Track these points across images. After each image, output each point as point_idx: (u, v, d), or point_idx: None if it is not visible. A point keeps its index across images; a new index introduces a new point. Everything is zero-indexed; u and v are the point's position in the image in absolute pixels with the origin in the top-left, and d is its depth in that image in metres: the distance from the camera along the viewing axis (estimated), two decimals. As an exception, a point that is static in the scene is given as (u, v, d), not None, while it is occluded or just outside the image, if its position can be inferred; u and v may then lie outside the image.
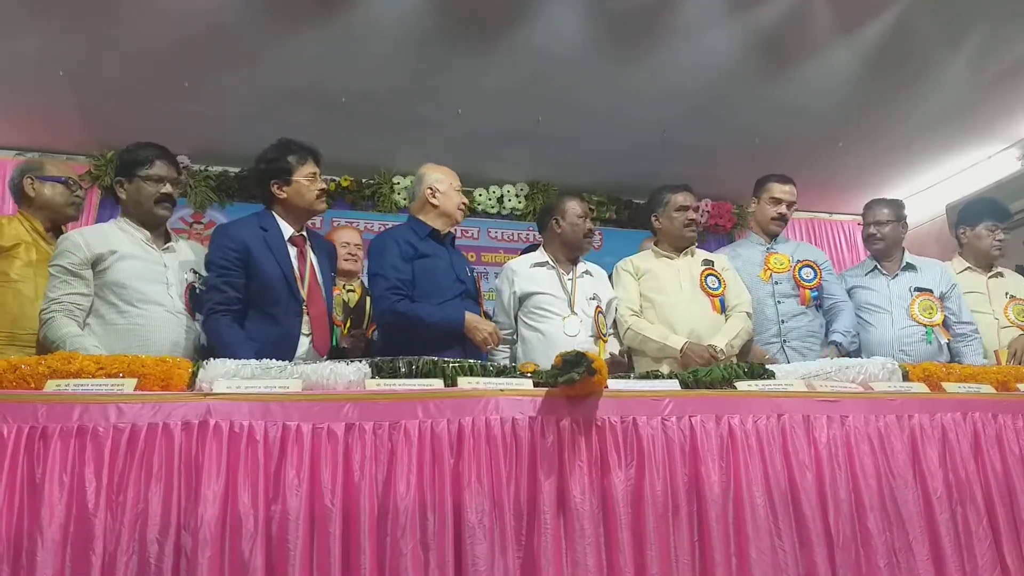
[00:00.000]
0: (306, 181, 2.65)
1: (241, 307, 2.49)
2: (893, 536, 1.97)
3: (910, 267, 3.44)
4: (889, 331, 3.28)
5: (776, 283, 3.27)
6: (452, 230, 3.03)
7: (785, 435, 2.02)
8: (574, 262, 3.16)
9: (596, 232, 6.16)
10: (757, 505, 1.90)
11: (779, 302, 3.25)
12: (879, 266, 3.47)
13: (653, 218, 3.28)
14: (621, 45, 4.29)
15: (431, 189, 2.91)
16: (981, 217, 3.61)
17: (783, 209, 3.39)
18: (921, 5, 4.04)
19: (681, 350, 2.93)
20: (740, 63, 4.47)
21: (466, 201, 3.03)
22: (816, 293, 3.29)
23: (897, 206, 3.52)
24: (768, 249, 3.37)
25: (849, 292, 3.45)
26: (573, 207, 3.15)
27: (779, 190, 3.38)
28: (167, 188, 2.55)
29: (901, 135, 5.49)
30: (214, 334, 2.43)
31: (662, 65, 4.47)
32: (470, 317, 2.76)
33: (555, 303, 3.01)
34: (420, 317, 2.69)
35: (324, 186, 2.70)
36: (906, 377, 2.36)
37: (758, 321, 3.20)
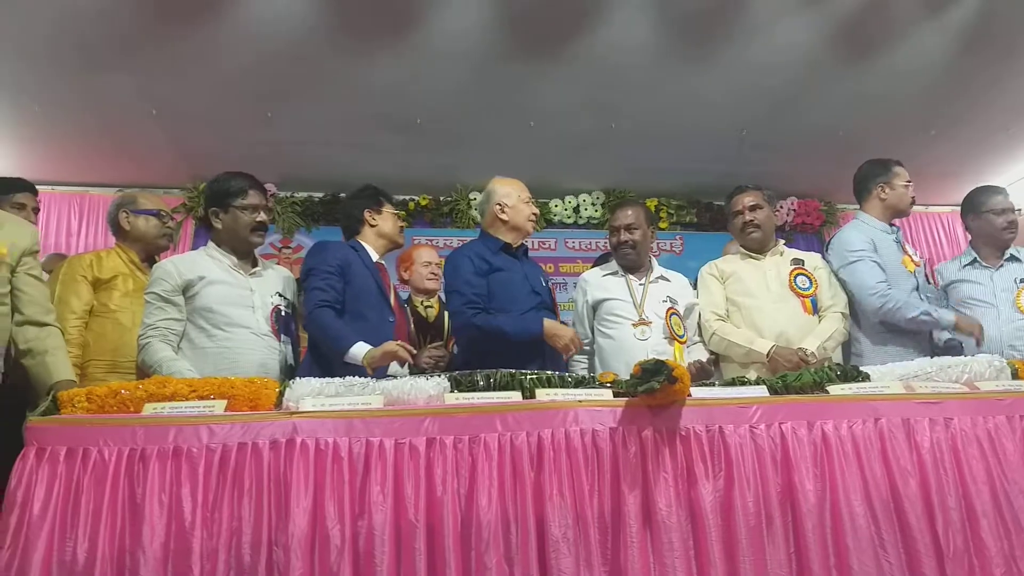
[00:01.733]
0: (391, 214, 2.94)
1: (342, 308, 2.63)
2: (1012, 545, 1.84)
3: (1014, 258, 3.21)
4: (995, 327, 3.06)
5: (917, 276, 3.10)
6: (525, 242, 3.05)
7: (884, 440, 1.92)
8: (642, 270, 3.11)
9: (676, 237, 6.14)
10: (856, 515, 1.81)
11: (924, 297, 3.08)
12: (979, 258, 3.25)
13: (728, 222, 3.27)
14: (692, 45, 4.21)
15: (499, 205, 2.95)
16: None
17: (913, 192, 3.25)
18: (1010, -21, 3.81)
19: (768, 354, 2.83)
20: (819, 54, 4.31)
21: (536, 212, 3.05)
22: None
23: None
24: (897, 238, 3.19)
25: (947, 288, 3.27)
26: (609, 221, 3.20)
27: (906, 173, 3.23)
28: (261, 216, 2.68)
29: (997, 118, 5.16)
30: (321, 326, 2.56)
31: (736, 63, 4.36)
32: (548, 324, 2.76)
33: (625, 308, 2.99)
34: (499, 328, 2.71)
35: (403, 224, 2.98)
36: (1016, 375, 2.21)
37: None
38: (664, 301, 3.01)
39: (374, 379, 2.03)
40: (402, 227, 2.98)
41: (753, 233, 3.11)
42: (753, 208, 3.12)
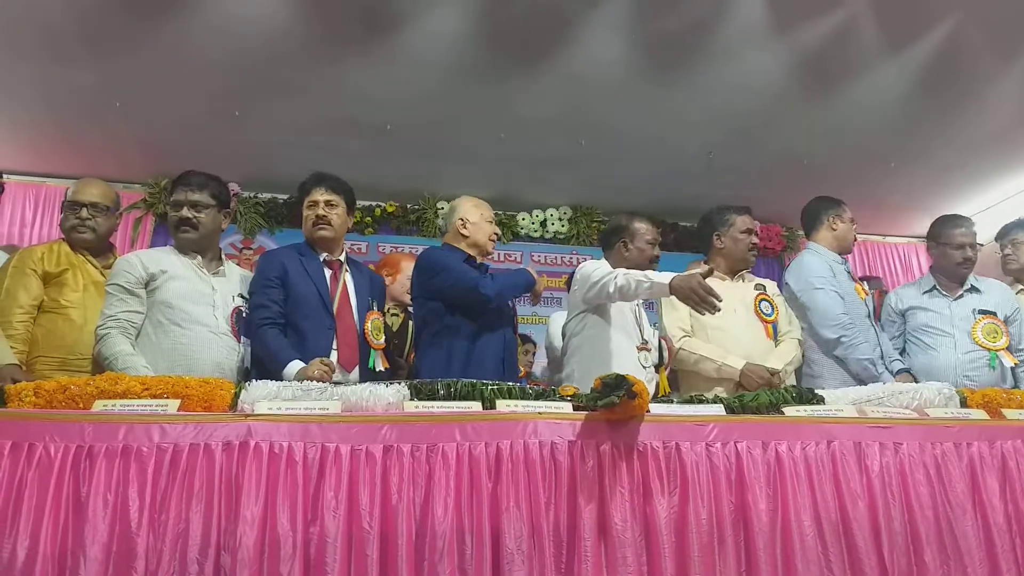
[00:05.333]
0: (306, 211, 2.82)
1: (284, 321, 2.61)
2: (951, 570, 1.88)
3: (974, 289, 3.29)
4: (952, 355, 3.14)
5: (867, 304, 3.17)
6: (487, 260, 3.02)
7: (835, 462, 1.95)
8: None
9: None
10: (806, 536, 1.84)
11: (872, 325, 3.15)
12: (938, 286, 3.32)
13: (715, 236, 3.17)
14: (664, 68, 4.28)
15: (462, 220, 2.93)
16: (998, 237, 3.65)
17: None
18: (972, 21, 3.93)
19: (741, 371, 2.85)
20: (786, 84, 4.42)
21: (498, 232, 3.04)
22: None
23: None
24: (847, 268, 3.27)
25: (905, 313, 3.33)
26: (643, 230, 3.05)
27: (850, 214, 3.35)
28: (183, 212, 2.63)
29: (954, 155, 5.34)
30: (262, 345, 2.55)
31: (706, 87, 4.44)
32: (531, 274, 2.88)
33: (628, 324, 2.93)
34: (507, 284, 2.79)
35: (322, 212, 2.77)
36: (964, 403, 2.27)
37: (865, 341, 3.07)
38: (654, 325, 3.04)
39: (332, 384, 2.01)
40: (321, 215, 2.76)
41: (754, 257, 3.18)
42: (754, 231, 3.17)
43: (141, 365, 2.33)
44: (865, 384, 2.61)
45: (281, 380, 2.26)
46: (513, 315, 3.01)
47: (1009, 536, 1.94)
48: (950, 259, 3.29)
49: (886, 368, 3.06)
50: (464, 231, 2.92)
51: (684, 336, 3.01)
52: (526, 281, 2.83)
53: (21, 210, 5.34)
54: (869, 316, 3.15)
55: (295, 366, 2.41)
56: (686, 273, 2.51)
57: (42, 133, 4.87)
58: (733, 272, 3.14)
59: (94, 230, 2.85)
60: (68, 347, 2.69)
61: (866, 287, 3.28)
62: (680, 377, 3.09)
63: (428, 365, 2.72)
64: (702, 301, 2.42)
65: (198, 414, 1.76)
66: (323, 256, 2.77)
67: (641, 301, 2.98)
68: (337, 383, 2.07)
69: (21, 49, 3.95)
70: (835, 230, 3.30)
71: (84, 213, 2.83)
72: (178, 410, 1.76)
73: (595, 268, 2.84)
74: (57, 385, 1.77)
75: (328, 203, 2.77)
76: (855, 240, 3.35)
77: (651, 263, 3.02)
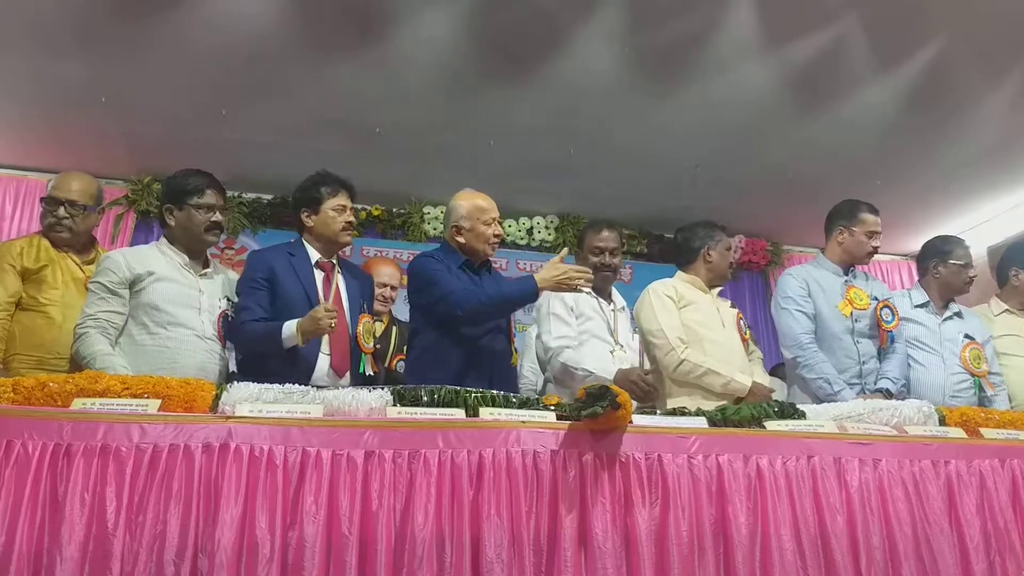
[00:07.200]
0: (333, 212, 2.71)
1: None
2: (928, 586, 1.90)
3: (959, 314, 3.27)
4: (941, 375, 3.11)
5: (856, 320, 3.07)
6: (490, 259, 2.90)
7: (815, 477, 1.96)
8: (606, 295, 3.10)
9: (626, 267, 6.21)
10: (785, 549, 1.84)
11: (857, 341, 3.06)
12: (932, 303, 3.28)
13: (706, 250, 3.13)
14: (654, 80, 4.31)
15: (456, 227, 2.80)
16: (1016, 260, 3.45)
17: (878, 242, 3.24)
18: (960, 42, 3.99)
19: (750, 389, 2.82)
20: (774, 99, 4.45)
21: (499, 233, 2.83)
22: (892, 335, 3.11)
23: None
24: (847, 281, 3.17)
25: None
26: (589, 240, 3.10)
27: (875, 222, 3.22)
28: (217, 216, 2.61)
29: (940, 175, 5.40)
30: (248, 338, 2.51)
31: (695, 100, 4.47)
32: (541, 279, 2.56)
33: (600, 329, 2.96)
34: (501, 295, 2.65)
35: (352, 219, 2.75)
36: (943, 422, 2.29)
37: (837, 359, 3.00)
38: (635, 332, 3.04)
39: (315, 388, 1.99)
40: (349, 222, 2.73)
41: (730, 276, 3.24)
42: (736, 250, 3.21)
43: (120, 365, 2.30)
44: (822, 402, 2.60)
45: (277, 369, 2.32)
46: (508, 322, 2.93)
47: (986, 553, 1.96)
48: (959, 278, 3.25)
49: (860, 385, 3.00)
50: (459, 238, 2.79)
51: (685, 346, 2.93)
52: (520, 292, 2.60)
53: (1, 203, 5.27)
54: (852, 332, 3.07)
55: (290, 327, 2.38)
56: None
57: (26, 126, 4.82)
58: (711, 287, 3.16)
59: (71, 229, 2.78)
60: (46, 346, 2.63)
61: (867, 300, 3.13)
62: (668, 384, 3.07)
63: (418, 373, 2.61)
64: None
65: (178, 415, 1.75)
66: (315, 258, 2.69)
67: (614, 306, 3.07)
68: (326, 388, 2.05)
69: (7, 42, 3.91)
70: (841, 243, 3.22)
71: (62, 212, 2.76)
72: (158, 410, 1.74)
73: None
74: (36, 382, 1.75)
75: (352, 210, 2.77)
76: (872, 251, 3.24)
77: (598, 271, 2.95)
